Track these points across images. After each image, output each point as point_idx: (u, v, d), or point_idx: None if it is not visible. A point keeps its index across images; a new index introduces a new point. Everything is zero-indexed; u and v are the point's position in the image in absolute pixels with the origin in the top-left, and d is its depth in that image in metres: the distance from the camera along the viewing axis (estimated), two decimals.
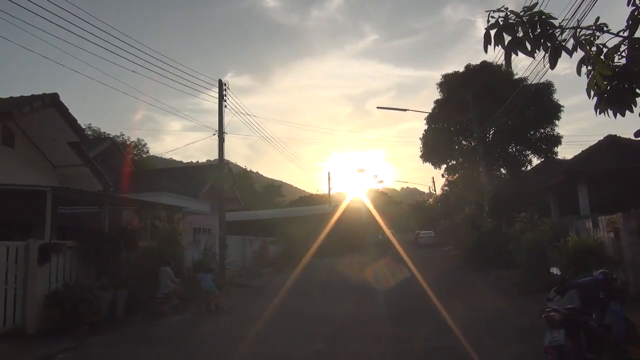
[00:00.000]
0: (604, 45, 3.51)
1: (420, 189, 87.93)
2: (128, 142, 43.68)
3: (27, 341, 8.90)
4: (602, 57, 3.48)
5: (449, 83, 30.95)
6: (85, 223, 12.68)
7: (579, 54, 3.51)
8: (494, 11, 3.44)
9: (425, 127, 32.40)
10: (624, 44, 3.52)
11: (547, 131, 29.08)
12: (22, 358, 7.90)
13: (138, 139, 49.80)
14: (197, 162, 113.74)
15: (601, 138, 18.68)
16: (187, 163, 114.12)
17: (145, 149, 46.61)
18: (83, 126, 17.61)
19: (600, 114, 3.65)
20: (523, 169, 29.93)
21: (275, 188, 73.09)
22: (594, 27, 3.47)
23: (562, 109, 28.75)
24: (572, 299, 5.79)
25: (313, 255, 28.24)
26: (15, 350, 8.25)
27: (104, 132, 41.43)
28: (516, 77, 27.58)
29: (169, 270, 12.51)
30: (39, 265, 9.75)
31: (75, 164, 15.67)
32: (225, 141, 19.73)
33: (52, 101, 13.81)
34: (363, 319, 10.97)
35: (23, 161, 14.31)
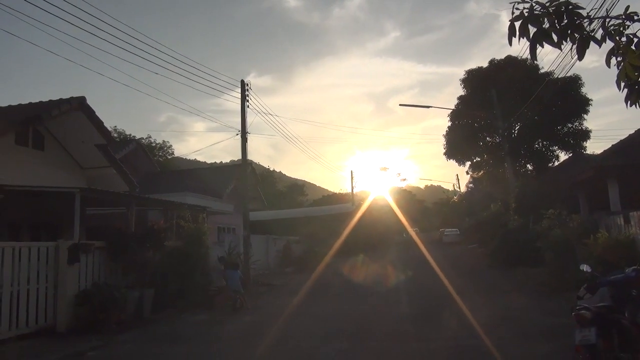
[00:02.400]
0: (635, 35, 3.39)
1: (445, 187, 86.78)
2: (154, 144, 44.48)
3: (58, 339, 9.14)
4: (632, 47, 3.37)
5: (473, 79, 30.53)
6: (112, 223, 12.94)
7: (608, 45, 3.40)
8: (518, 2, 3.36)
9: (449, 123, 32.04)
10: None
11: (575, 126, 28.41)
12: (53, 355, 8.11)
13: (163, 141, 50.71)
14: (221, 162, 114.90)
15: (632, 132, 18.15)
16: (211, 163, 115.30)
17: (170, 151, 47.44)
18: (109, 128, 17.98)
19: (631, 106, 3.54)
20: (550, 164, 29.32)
21: (298, 187, 73.42)
22: (623, 17, 3.35)
23: (590, 102, 28.04)
24: (604, 297, 5.63)
25: (336, 254, 28.22)
26: (47, 348, 8.47)
27: (129, 134, 42.29)
28: (542, 71, 27.05)
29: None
30: (69, 265, 9.99)
31: (102, 166, 16.00)
32: (248, 141, 19.82)
33: (79, 104, 14.13)
34: (387, 317, 10.90)
35: (52, 163, 14.68)
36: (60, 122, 14.22)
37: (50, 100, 14.32)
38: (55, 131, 14.83)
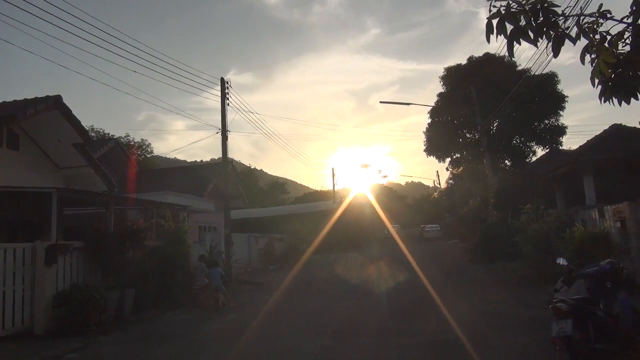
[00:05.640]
0: (608, 32, 3.47)
1: (425, 183, 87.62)
2: (132, 143, 43.78)
3: (36, 341, 8.96)
4: (606, 44, 3.45)
5: (452, 76, 30.85)
6: (91, 223, 12.74)
7: (583, 42, 3.47)
8: (495, 0, 3.41)
9: (429, 120, 32.33)
10: (628, 31, 3.48)
11: (552, 122, 28.97)
12: (31, 358, 7.94)
13: (142, 139, 49.85)
14: (201, 160, 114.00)
15: (606, 127, 18.54)
16: (191, 162, 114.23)
17: (149, 149, 46.74)
18: (86, 128, 17.64)
19: (605, 102, 3.62)
20: (527, 160, 29.83)
21: (279, 185, 73.17)
22: (597, 14, 3.43)
23: (566, 99, 28.64)
24: (580, 290, 5.77)
25: (318, 251, 28.26)
26: (24, 351, 8.29)
27: (108, 133, 41.56)
28: (519, 68, 27.46)
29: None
30: (46, 266, 9.79)
31: (79, 165, 15.72)
32: (228, 139, 19.78)
33: (55, 103, 13.85)
34: (369, 313, 10.97)
35: (28, 163, 14.37)
36: (36, 121, 13.92)
37: (25, 99, 14.01)
38: (30, 130, 14.51)
